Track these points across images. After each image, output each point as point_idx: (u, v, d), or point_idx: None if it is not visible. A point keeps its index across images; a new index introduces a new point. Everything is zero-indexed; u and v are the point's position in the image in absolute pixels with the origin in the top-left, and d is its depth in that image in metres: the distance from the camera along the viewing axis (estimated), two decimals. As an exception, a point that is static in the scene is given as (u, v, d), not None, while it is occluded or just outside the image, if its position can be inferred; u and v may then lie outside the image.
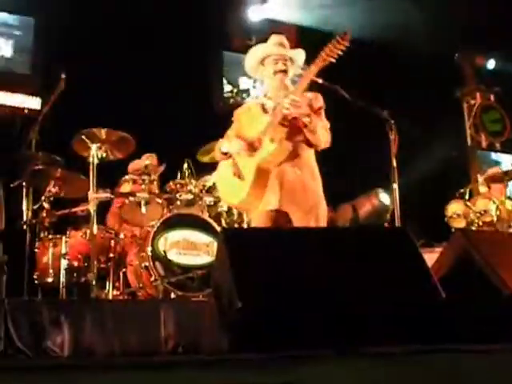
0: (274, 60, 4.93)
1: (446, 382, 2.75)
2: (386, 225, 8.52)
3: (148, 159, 6.89)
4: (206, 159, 6.78)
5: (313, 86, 4.82)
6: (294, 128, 4.76)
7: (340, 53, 4.55)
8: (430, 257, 4.25)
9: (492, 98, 13.32)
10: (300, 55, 5.00)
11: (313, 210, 4.76)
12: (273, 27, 10.12)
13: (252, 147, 4.78)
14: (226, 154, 4.90)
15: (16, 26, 9.22)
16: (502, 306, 3.57)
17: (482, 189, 9.43)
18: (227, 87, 10.33)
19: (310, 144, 4.84)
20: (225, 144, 4.90)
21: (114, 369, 2.50)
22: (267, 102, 4.96)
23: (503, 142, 13.18)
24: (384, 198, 8.66)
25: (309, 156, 4.89)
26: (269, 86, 5.04)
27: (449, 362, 2.83)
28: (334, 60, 4.57)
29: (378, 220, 8.57)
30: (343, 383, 2.61)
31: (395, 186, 4.89)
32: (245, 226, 6.40)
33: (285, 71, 4.93)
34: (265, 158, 4.71)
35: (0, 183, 6.16)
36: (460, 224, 8.34)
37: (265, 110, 4.92)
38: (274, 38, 5.04)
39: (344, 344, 2.69)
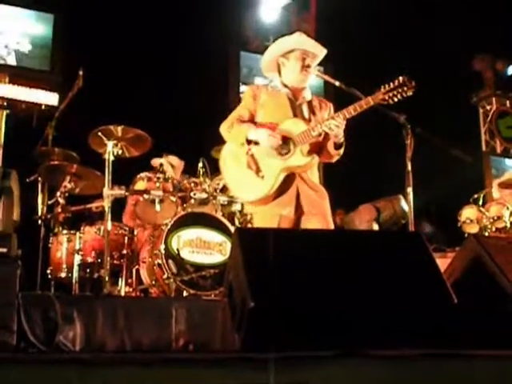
0: (301, 55, 4.93)
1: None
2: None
3: (172, 161, 6.96)
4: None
5: (329, 88, 4.83)
6: (321, 144, 4.83)
7: (400, 98, 4.54)
8: (443, 262, 4.26)
9: (508, 103, 13.30)
10: (323, 54, 5.01)
11: (325, 213, 4.79)
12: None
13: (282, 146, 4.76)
14: (249, 142, 4.81)
15: (34, 22, 9.27)
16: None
17: (496, 194, 9.42)
18: (243, 87, 10.35)
19: (326, 157, 4.91)
20: (252, 131, 4.78)
21: (125, 364, 2.51)
22: (288, 93, 4.96)
23: (518, 148, 13.16)
24: (404, 204, 8.67)
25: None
26: (289, 79, 5.00)
27: (458, 366, 2.84)
28: (392, 102, 4.56)
29: (394, 225, 8.59)
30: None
31: (410, 190, 4.89)
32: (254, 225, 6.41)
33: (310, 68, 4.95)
34: (292, 167, 4.72)
35: (16, 177, 6.20)
36: (473, 229, 8.35)
37: (294, 108, 4.91)
38: (300, 35, 5.05)
39: (356, 346, 2.70)
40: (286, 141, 4.76)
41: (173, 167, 7.28)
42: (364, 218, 8.85)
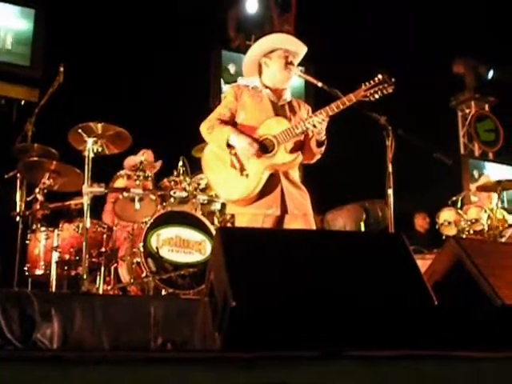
0: (283, 53, 4.92)
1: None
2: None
3: (144, 155, 6.89)
4: (200, 155, 6.77)
5: (310, 89, 4.83)
6: (303, 142, 4.84)
7: (381, 95, 4.57)
8: (422, 263, 4.27)
9: (487, 107, 13.39)
10: (303, 52, 5.01)
11: (308, 213, 4.79)
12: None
13: (261, 150, 4.73)
14: (230, 146, 4.74)
15: (15, 17, 9.20)
16: (493, 316, 3.58)
17: (474, 198, 9.48)
18: (225, 86, 10.35)
19: (308, 157, 4.91)
20: (233, 137, 4.70)
21: (103, 363, 2.49)
22: (269, 94, 4.95)
23: (496, 151, 13.25)
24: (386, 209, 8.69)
25: None
26: (272, 79, 4.96)
27: (437, 368, 2.84)
28: (373, 99, 4.59)
29: (378, 227, 8.59)
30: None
31: (390, 191, 4.90)
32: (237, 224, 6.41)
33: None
34: (277, 164, 4.70)
35: None
36: (451, 232, 8.39)
37: (275, 110, 4.90)
38: (281, 34, 5.06)
39: (336, 346, 2.70)
40: (269, 140, 4.74)
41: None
42: (351, 218, 8.85)
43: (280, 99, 4.96)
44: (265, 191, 4.69)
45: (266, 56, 4.97)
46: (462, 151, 13.17)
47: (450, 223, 8.47)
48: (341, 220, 8.69)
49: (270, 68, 4.97)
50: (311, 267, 3.19)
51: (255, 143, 4.68)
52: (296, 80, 5.46)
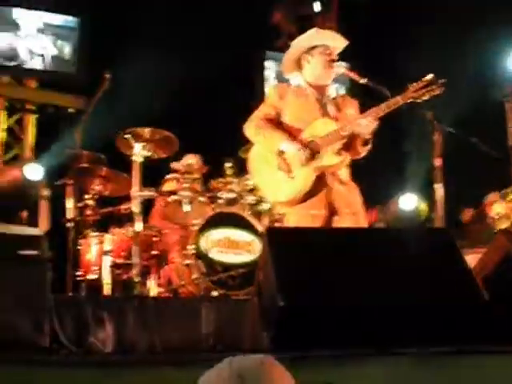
0: (324, 50, 4.91)
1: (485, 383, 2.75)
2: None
3: (191, 159, 6.96)
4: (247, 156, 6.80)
5: (355, 86, 4.81)
6: (350, 142, 4.81)
7: (429, 97, 4.54)
8: (472, 258, 4.23)
9: (535, 98, 13.15)
10: (343, 45, 5.00)
11: (357, 210, 4.78)
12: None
13: (311, 155, 4.73)
14: (282, 152, 4.77)
15: (59, 26, 9.28)
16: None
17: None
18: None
19: (353, 155, 4.89)
20: (285, 144, 4.74)
21: (156, 365, 2.52)
22: (314, 92, 4.94)
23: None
24: (405, 204, 8.64)
25: None
26: (315, 76, 4.97)
27: (488, 363, 2.82)
28: (420, 101, 4.57)
29: (408, 224, 8.52)
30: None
31: (439, 186, 4.85)
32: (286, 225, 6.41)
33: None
34: (324, 166, 4.70)
35: (45, 184, 6.24)
36: (503, 224, 8.28)
37: (320, 108, 4.89)
38: (318, 30, 5.05)
39: (385, 344, 2.70)
40: (315, 143, 4.73)
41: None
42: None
43: (324, 96, 4.95)
44: (311, 193, 4.69)
45: (308, 52, 4.96)
46: (511, 142, 12.96)
47: (502, 216, 8.36)
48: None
49: (311, 65, 4.96)
50: (359, 265, 3.19)
51: (306, 149, 4.69)
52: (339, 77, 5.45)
